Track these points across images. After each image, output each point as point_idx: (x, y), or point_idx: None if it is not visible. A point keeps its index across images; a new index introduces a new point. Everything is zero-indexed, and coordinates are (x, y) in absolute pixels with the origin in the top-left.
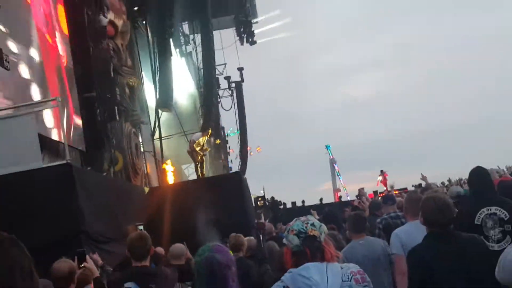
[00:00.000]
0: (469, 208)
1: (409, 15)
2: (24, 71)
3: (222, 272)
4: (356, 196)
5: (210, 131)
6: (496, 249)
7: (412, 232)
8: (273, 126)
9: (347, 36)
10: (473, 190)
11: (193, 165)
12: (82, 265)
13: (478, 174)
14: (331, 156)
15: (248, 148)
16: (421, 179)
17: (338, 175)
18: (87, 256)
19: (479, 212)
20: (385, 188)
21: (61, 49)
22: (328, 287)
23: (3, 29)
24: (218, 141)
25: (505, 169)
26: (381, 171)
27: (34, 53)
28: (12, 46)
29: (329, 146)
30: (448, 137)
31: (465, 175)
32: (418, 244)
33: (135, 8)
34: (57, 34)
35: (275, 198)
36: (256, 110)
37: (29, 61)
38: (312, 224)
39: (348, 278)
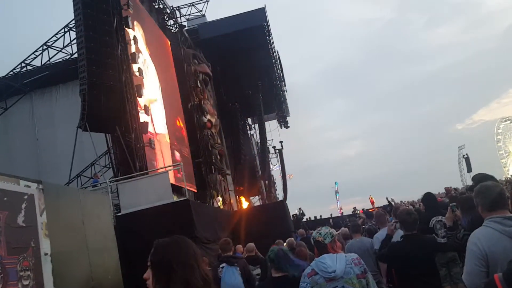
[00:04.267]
0: (424, 217)
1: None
2: (162, 148)
3: (285, 257)
4: (352, 212)
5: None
6: (442, 241)
7: (384, 234)
8: (301, 171)
9: (339, 121)
10: (426, 206)
11: (257, 197)
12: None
13: (429, 197)
14: (336, 188)
15: (290, 176)
16: (389, 200)
17: (337, 201)
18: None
19: (432, 220)
20: (371, 206)
21: (186, 137)
22: (337, 268)
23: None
24: (267, 181)
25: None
26: (370, 195)
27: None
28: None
29: (337, 183)
30: (408, 175)
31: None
32: (396, 241)
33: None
34: (184, 131)
35: (301, 212)
36: (291, 163)
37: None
38: (320, 233)
39: (350, 262)
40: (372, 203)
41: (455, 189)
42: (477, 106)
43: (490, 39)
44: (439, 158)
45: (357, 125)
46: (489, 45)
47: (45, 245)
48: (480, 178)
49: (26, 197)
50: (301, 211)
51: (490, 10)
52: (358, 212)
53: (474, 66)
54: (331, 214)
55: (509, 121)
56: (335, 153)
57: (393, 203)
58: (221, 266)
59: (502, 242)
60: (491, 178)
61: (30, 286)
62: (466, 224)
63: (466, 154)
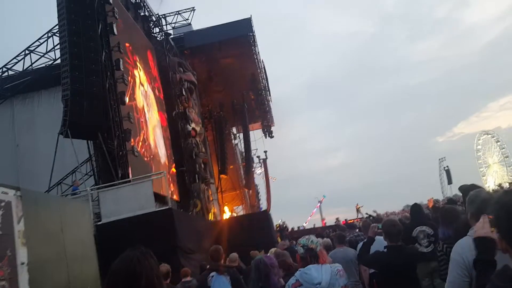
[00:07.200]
0: (409, 228)
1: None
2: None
3: (266, 270)
4: (335, 222)
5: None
6: (425, 251)
7: None
8: (285, 181)
9: (323, 132)
10: (412, 216)
11: (241, 206)
12: None
13: (415, 208)
14: (321, 199)
15: (273, 179)
16: (370, 215)
17: (320, 211)
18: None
19: (415, 229)
20: (356, 215)
21: (169, 145)
22: (322, 279)
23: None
24: (251, 191)
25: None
26: (357, 204)
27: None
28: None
29: (325, 195)
30: (390, 187)
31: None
32: (381, 251)
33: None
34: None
35: (285, 226)
36: (275, 173)
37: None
38: (311, 241)
39: (335, 273)
40: (358, 210)
41: (436, 200)
42: (457, 120)
43: (469, 55)
44: (421, 170)
45: (339, 137)
46: (469, 60)
47: (22, 254)
48: (467, 188)
49: (3, 204)
50: (285, 226)
51: (469, 26)
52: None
53: (454, 80)
54: (314, 224)
55: (489, 135)
56: (318, 164)
57: (375, 214)
58: (211, 275)
59: None
60: (477, 187)
61: None
62: (449, 235)
63: (447, 166)
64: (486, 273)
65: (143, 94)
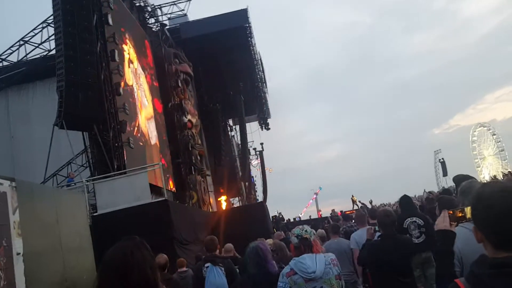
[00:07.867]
0: (400, 219)
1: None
2: (143, 148)
3: (264, 254)
4: (330, 214)
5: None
6: (416, 242)
7: (361, 234)
8: (281, 173)
9: (320, 125)
10: (402, 208)
11: (237, 198)
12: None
13: (405, 199)
14: (317, 191)
15: (270, 170)
16: (362, 203)
17: (316, 202)
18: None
19: (406, 220)
20: (352, 207)
21: (164, 131)
22: (316, 269)
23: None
24: (247, 182)
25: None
26: (352, 195)
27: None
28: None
29: (321, 187)
30: (386, 178)
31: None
32: (374, 240)
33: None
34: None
35: (281, 216)
36: (271, 165)
37: (148, 143)
38: (305, 230)
39: (329, 263)
40: (354, 201)
41: (430, 192)
42: (453, 112)
43: (466, 47)
44: (416, 162)
45: (336, 129)
46: (466, 52)
47: (18, 245)
48: (460, 179)
49: None
50: (281, 216)
51: (467, 18)
52: (336, 214)
53: (451, 72)
54: (310, 216)
55: (485, 128)
56: (314, 156)
57: (369, 206)
58: (205, 265)
59: (474, 242)
60: (470, 178)
61: (1, 286)
62: None
63: (442, 159)
64: (445, 262)
65: (133, 72)
